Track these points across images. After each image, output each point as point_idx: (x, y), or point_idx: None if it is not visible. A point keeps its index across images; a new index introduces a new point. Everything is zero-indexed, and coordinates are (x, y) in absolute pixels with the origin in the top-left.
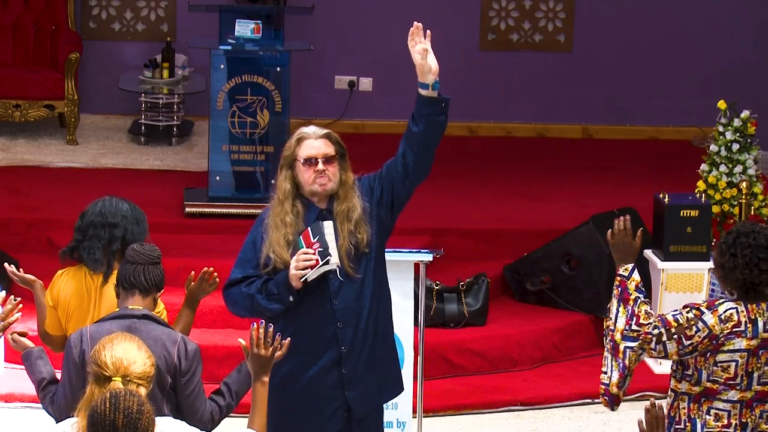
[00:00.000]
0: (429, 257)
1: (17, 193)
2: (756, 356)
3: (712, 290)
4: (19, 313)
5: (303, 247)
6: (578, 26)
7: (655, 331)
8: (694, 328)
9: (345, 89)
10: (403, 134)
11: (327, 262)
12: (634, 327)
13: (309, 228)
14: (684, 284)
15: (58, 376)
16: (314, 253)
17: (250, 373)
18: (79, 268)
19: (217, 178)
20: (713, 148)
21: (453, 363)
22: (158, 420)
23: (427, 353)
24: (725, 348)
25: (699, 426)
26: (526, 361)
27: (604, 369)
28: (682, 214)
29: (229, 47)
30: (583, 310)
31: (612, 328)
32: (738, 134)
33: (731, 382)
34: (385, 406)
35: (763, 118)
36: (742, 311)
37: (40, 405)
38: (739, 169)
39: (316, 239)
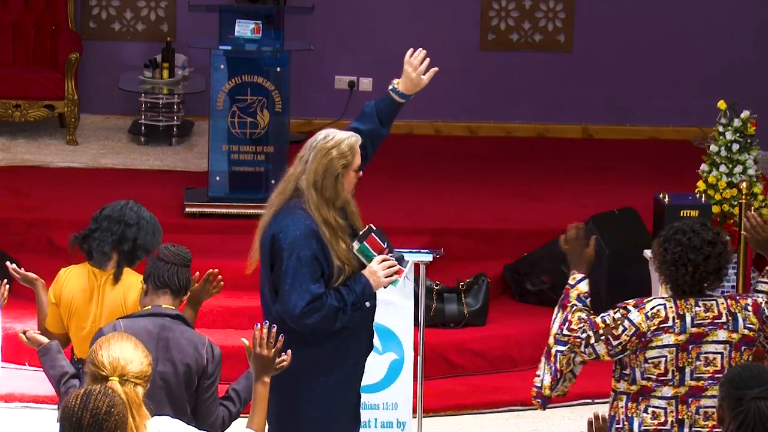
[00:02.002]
0: (429, 257)
1: (17, 193)
2: (686, 351)
3: None
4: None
5: (371, 253)
6: (578, 26)
7: (584, 335)
8: (621, 328)
9: (345, 89)
10: (364, 133)
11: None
12: (565, 332)
13: (372, 233)
14: None
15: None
16: (392, 260)
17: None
18: (83, 266)
19: (217, 178)
20: (713, 148)
21: (453, 363)
22: (155, 419)
23: (427, 353)
24: (653, 344)
25: (636, 424)
26: (526, 361)
27: (538, 372)
28: (682, 214)
29: (229, 47)
30: None
31: (551, 333)
32: (738, 134)
33: (663, 378)
34: (384, 406)
35: (763, 118)
36: (671, 307)
37: (39, 405)
38: (739, 169)
39: (385, 245)
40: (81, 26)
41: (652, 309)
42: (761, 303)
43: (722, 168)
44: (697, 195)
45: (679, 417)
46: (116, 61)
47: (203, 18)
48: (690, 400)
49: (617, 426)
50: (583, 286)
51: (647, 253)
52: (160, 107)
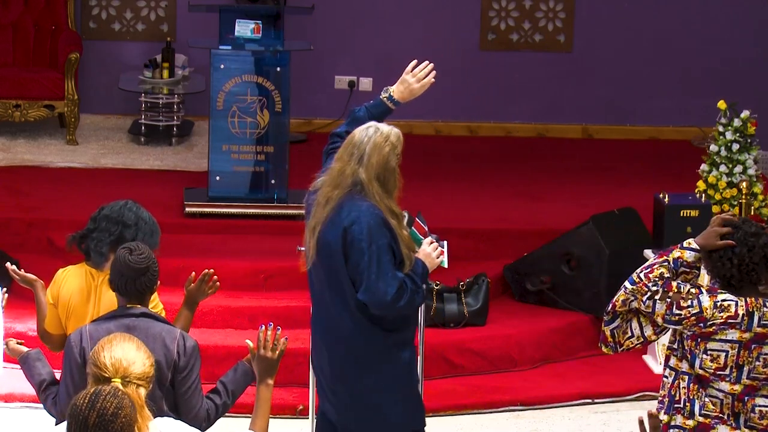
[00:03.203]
0: None
1: (17, 193)
2: (748, 350)
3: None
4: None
5: (419, 238)
6: (578, 26)
7: (653, 288)
8: (689, 302)
9: (345, 89)
10: (346, 134)
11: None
12: (641, 275)
13: (416, 218)
14: None
15: (57, 376)
16: (435, 241)
17: (247, 373)
18: (81, 267)
19: (217, 178)
20: (713, 148)
21: (453, 363)
22: (157, 420)
23: (427, 353)
24: (717, 337)
25: (698, 407)
26: (526, 361)
27: None
28: (682, 214)
29: (229, 47)
30: (583, 310)
31: None
32: (738, 134)
33: (720, 372)
34: None
35: (763, 118)
36: (741, 305)
37: (40, 405)
38: (739, 169)
39: (426, 228)
40: (81, 26)
41: (723, 301)
42: None
43: (722, 168)
44: (697, 195)
45: (735, 411)
46: (116, 61)
47: (203, 18)
48: (746, 398)
49: (677, 405)
50: (689, 255)
51: (647, 253)
52: (160, 107)
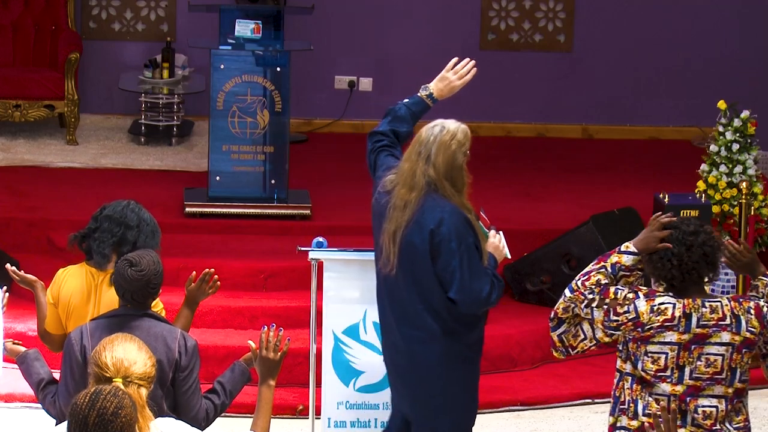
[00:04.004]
0: None
1: (17, 193)
2: (688, 351)
3: (712, 290)
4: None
5: (485, 231)
6: (578, 26)
7: (590, 296)
8: (625, 308)
9: (345, 89)
10: (401, 135)
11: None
12: (578, 283)
13: (481, 212)
14: None
15: (56, 376)
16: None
17: (244, 373)
18: (81, 266)
19: (217, 178)
20: (713, 148)
21: None
22: (159, 420)
23: None
24: (655, 340)
25: (641, 407)
26: (526, 361)
27: None
28: (682, 214)
29: (229, 47)
30: None
31: None
32: (738, 134)
33: (661, 374)
34: (384, 406)
35: (763, 118)
36: (679, 307)
37: (39, 405)
38: (739, 169)
39: (488, 221)
40: (81, 26)
41: (660, 304)
42: (763, 306)
43: (722, 168)
44: (697, 195)
45: (682, 407)
46: (116, 61)
47: (203, 18)
48: (688, 399)
49: (621, 407)
50: (627, 259)
51: None
52: (160, 107)
